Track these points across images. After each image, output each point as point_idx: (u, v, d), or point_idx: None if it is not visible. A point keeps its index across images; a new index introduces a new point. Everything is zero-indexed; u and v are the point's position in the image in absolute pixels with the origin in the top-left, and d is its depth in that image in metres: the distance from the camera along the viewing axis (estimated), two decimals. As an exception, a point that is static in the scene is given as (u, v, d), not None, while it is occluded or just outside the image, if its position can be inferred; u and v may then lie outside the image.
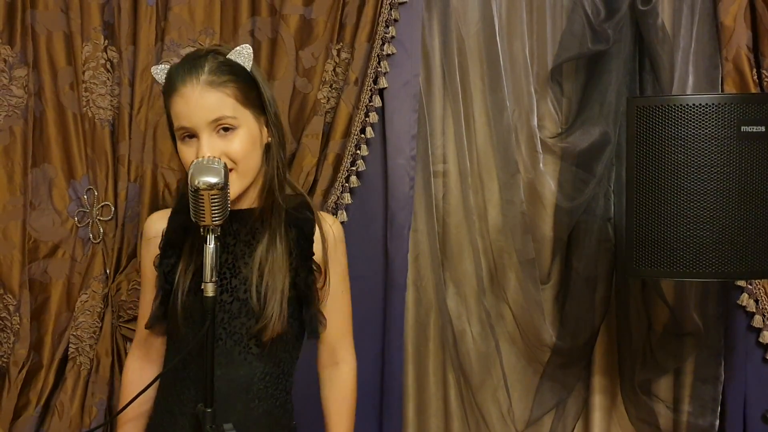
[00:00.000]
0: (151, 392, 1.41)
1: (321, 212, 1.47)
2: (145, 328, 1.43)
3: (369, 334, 1.97)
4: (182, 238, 1.37)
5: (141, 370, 1.48)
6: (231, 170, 1.29)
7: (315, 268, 1.40)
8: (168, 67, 1.35)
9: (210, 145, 1.28)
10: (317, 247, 1.42)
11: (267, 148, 1.37)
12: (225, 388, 1.34)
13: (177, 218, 1.39)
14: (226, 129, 1.30)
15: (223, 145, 1.29)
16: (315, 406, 1.88)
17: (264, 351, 1.37)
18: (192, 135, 1.30)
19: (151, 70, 1.37)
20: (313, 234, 1.41)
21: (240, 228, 1.37)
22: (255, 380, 1.37)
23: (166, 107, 1.34)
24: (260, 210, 1.38)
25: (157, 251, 1.40)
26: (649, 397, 2.02)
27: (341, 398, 1.50)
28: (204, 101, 1.28)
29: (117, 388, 1.80)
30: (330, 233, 1.43)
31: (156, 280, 1.41)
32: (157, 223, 1.43)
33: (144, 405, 1.44)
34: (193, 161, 1.23)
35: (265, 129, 1.37)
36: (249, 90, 1.33)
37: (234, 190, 1.29)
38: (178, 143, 1.33)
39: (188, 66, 1.31)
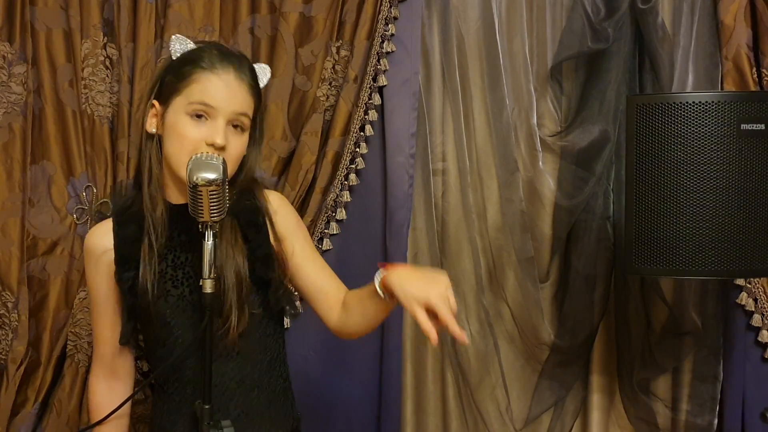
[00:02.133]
0: (126, 408, 1.39)
1: (265, 191, 1.43)
2: (122, 343, 1.39)
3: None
4: (136, 249, 1.34)
5: (110, 390, 1.42)
6: None
7: (270, 251, 1.37)
8: (189, 41, 1.37)
9: (224, 135, 1.29)
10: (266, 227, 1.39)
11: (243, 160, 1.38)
12: (221, 381, 1.34)
13: (124, 229, 1.35)
14: (236, 126, 1.32)
15: (232, 140, 1.31)
16: (316, 400, 1.89)
17: (246, 341, 1.36)
18: (203, 116, 1.29)
19: (172, 38, 1.36)
20: (259, 218, 1.38)
21: (189, 223, 1.30)
22: (247, 371, 1.37)
23: (182, 73, 1.31)
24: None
25: (111, 267, 1.35)
26: (648, 396, 2.02)
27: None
28: (239, 92, 1.31)
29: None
30: (274, 211, 1.40)
31: (115, 296, 1.37)
32: (103, 239, 1.37)
33: (121, 418, 1.42)
34: (192, 157, 1.22)
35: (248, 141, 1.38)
36: (258, 107, 1.38)
37: None
38: (184, 117, 1.29)
39: (233, 57, 1.35)
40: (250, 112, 1.34)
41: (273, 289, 1.38)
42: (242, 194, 1.38)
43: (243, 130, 1.33)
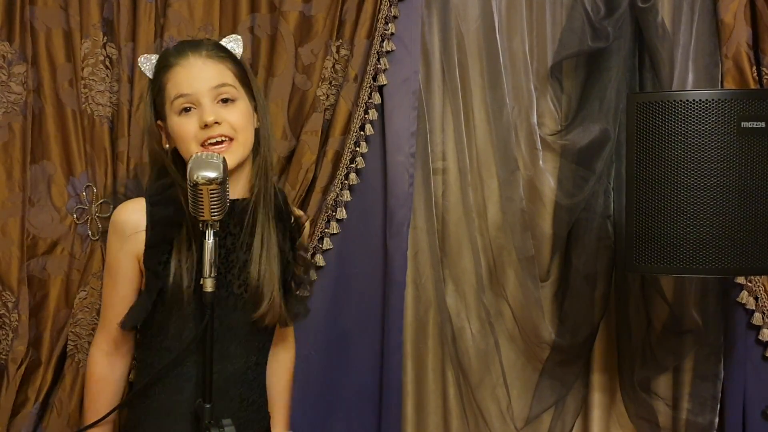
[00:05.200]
0: (125, 390, 1.43)
1: (298, 212, 1.55)
2: (127, 327, 1.38)
3: (368, 332, 1.97)
4: (171, 232, 1.34)
5: (112, 366, 1.43)
6: (232, 139, 1.33)
7: (300, 261, 1.46)
8: (152, 56, 1.41)
9: (213, 111, 1.31)
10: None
11: (255, 133, 1.40)
12: (221, 382, 1.35)
13: (159, 211, 1.34)
14: (225, 100, 1.34)
15: (225, 113, 1.32)
16: (316, 400, 1.88)
17: (256, 342, 1.40)
18: (190, 107, 1.31)
19: (139, 60, 1.41)
20: (300, 228, 1.47)
21: (229, 220, 1.35)
22: (248, 372, 1.40)
23: (158, 85, 1.36)
24: (253, 201, 1.38)
25: (139, 246, 1.34)
26: (649, 395, 2.01)
27: (286, 380, 1.59)
28: (207, 69, 1.34)
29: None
30: (305, 229, 1.52)
31: (136, 277, 1.37)
32: (133, 216, 1.35)
33: (116, 399, 1.44)
34: (192, 156, 1.23)
35: (255, 114, 1.40)
36: (243, 72, 1.40)
37: (235, 159, 1.32)
38: (175, 119, 1.33)
39: (187, 44, 1.39)
40: (229, 80, 1.35)
41: (292, 294, 1.45)
42: (284, 200, 1.46)
43: (234, 100, 1.35)
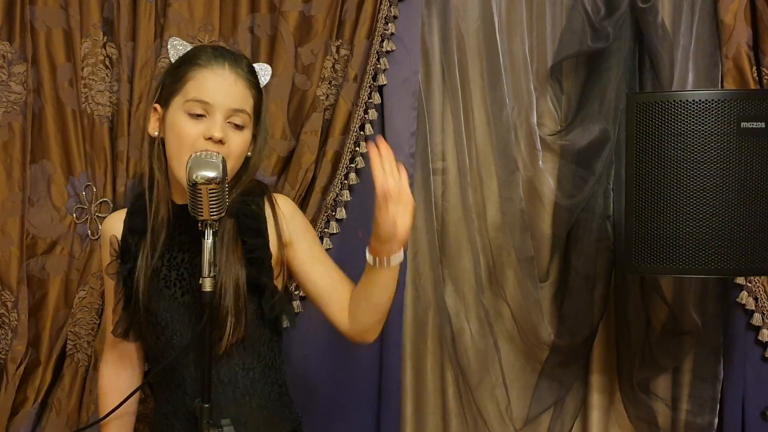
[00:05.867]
0: (133, 398, 1.41)
1: (274, 194, 1.43)
2: (114, 335, 1.40)
3: (368, 332, 1.96)
4: (137, 241, 1.35)
5: (117, 376, 1.46)
6: None
7: (265, 257, 1.36)
8: (186, 42, 1.38)
9: (223, 129, 1.29)
10: (271, 230, 1.38)
11: (246, 160, 1.38)
12: (212, 387, 1.34)
13: (132, 220, 1.37)
14: (236, 126, 1.32)
15: (232, 136, 1.31)
16: (316, 400, 1.88)
17: (240, 348, 1.35)
18: (201, 114, 1.29)
19: (169, 40, 1.38)
20: (260, 223, 1.37)
21: (190, 224, 1.29)
22: (239, 377, 1.36)
23: (179, 74, 1.32)
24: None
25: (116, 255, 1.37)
26: (648, 396, 2.01)
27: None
28: (236, 89, 1.32)
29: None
30: (281, 213, 1.39)
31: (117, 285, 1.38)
32: (114, 225, 1.40)
33: (127, 408, 1.42)
34: (192, 155, 1.22)
35: (253, 143, 1.38)
36: (260, 103, 1.38)
37: None
38: (182, 116, 1.30)
39: (228, 53, 1.35)
40: (248, 109, 1.34)
41: (266, 296, 1.36)
42: (246, 197, 1.38)
43: (242, 128, 1.33)
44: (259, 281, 1.35)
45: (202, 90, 1.30)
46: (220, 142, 1.28)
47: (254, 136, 1.38)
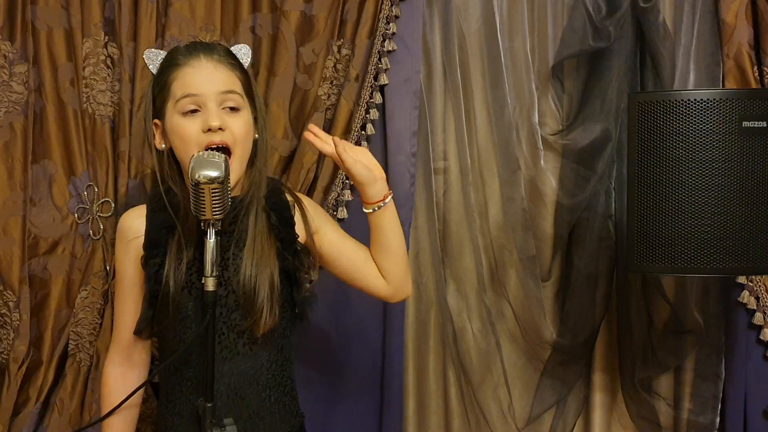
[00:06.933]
0: (137, 398, 1.41)
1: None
2: (135, 333, 1.40)
3: (369, 331, 1.97)
4: (165, 236, 1.36)
5: (123, 377, 1.45)
6: (230, 153, 1.31)
7: (300, 249, 1.42)
8: (160, 51, 1.40)
9: (218, 116, 1.30)
10: (299, 227, 1.43)
11: (254, 144, 1.39)
12: (234, 381, 1.34)
13: (157, 216, 1.37)
14: (231, 108, 1.33)
15: (230, 120, 1.32)
16: (318, 399, 1.88)
17: (266, 340, 1.37)
18: (195, 109, 1.30)
19: (144, 53, 1.40)
20: (292, 215, 1.43)
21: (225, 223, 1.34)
22: (263, 370, 1.38)
23: (162, 82, 1.34)
24: (240, 198, 1.37)
25: (141, 252, 1.37)
26: (650, 395, 2.01)
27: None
28: (217, 73, 1.33)
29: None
30: (306, 208, 1.46)
31: (140, 282, 1.38)
32: (135, 222, 1.40)
33: (130, 409, 1.43)
34: (194, 155, 1.22)
35: (254, 126, 1.40)
36: (249, 82, 1.39)
37: (233, 177, 1.29)
38: (178, 119, 1.32)
39: (200, 45, 1.37)
40: (238, 89, 1.35)
41: (298, 288, 1.42)
42: (272, 190, 1.42)
43: (238, 109, 1.34)
44: (295, 271, 1.40)
45: (186, 85, 1.31)
46: (221, 129, 1.29)
47: (255, 119, 1.39)
